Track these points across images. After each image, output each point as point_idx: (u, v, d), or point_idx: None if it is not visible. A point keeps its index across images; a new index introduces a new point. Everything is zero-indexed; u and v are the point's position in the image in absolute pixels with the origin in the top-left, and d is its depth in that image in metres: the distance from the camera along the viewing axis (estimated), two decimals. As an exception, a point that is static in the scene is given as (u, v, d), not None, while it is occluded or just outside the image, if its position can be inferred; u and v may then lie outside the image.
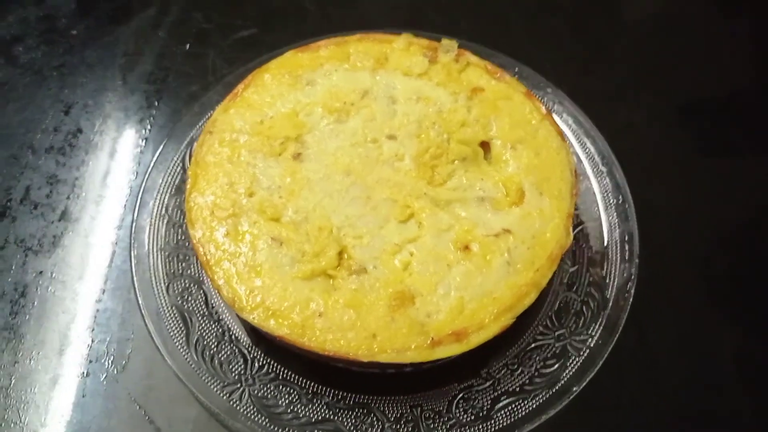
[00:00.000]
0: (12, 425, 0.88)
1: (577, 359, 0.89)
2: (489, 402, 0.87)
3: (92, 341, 0.94)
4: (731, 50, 1.32)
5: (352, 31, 1.08)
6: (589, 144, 1.06)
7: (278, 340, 0.82)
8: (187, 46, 1.26)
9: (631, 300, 0.92)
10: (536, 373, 0.89)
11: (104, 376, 0.92)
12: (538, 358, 0.90)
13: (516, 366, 0.90)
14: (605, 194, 1.02)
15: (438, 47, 1.04)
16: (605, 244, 0.98)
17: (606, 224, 1.00)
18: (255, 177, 0.93)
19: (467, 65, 1.03)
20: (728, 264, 1.05)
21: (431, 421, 0.86)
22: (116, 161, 1.11)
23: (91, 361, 0.93)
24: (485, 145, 0.97)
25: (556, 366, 0.89)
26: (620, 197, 1.01)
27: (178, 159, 1.04)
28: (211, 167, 0.94)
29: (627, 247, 0.97)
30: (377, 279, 0.85)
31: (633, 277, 0.93)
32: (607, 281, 0.95)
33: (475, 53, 1.09)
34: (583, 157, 1.06)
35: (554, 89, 1.10)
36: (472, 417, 0.86)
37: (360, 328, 0.82)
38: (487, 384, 0.89)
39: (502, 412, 0.86)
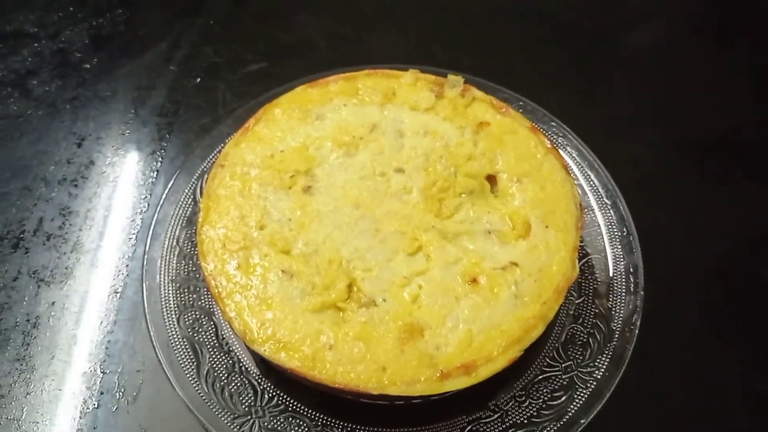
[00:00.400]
0: (24, 457, 0.89)
1: (584, 391, 0.90)
2: (497, 434, 0.88)
3: (103, 373, 0.95)
4: (730, 82, 1.34)
5: (361, 66, 1.11)
6: (593, 177, 1.08)
7: (289, 373, 0.83)
8: (198, 79, 1.28)
9: (636, 332, 0.92)
10: (544, 405, 0.89)
11: (115, 407, 0.92)
12: (545, 390, 0.91)
13: (524, 398, 0.90)
14: (610, 226, 1.04)
15: (444, 83, 1.06)
16: (611, 276, 0.99)
17: (611, 256, 1.01)
18: (266, 210, 0.94)
19: (473, 100, 1.05)
20: (732, 293, 1.06)
21: (440, 453, 0.87)
22: (128, 193, 1.13)
23: (102, 393, 0.93)
24: (491, 179, 0.99)
25: (564, 398, 0.89)
26: (624, 229, 1.02)
27: (189, 191, 1.06)
28: (222, 200, 0.96)
29: (632, 279, 0.98)
30: (386, 312, 0.86)
31: (638, 309, 0.94)
32: (613, 313, 0.96)
33: (481, 88, 1.11)
34: (587, 189, 1.07)
35: (558, 123, 1.13)
36: (481, 449, 0.87)
37: (369, 360, 0.83)
38: (495, 416, 0.89)
39: (511, 444, 0.87)
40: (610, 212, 1.05)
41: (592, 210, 1.06)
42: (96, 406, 0.93)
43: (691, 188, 1.19)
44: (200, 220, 0.94)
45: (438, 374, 0.81)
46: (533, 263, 0.90)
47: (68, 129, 1.20)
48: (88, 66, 1.30)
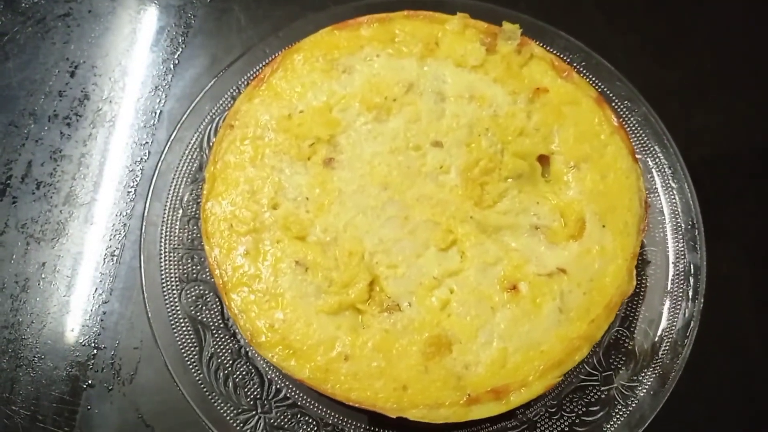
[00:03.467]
0: (12, 438, 0.83)
1: (623, 410, 0.81)
2: (522, 450, 0.80)
3: (97, 348, 0.87)
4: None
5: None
6: (659, 153, 0.93)
7: (299, 382, 0.75)
8: (209, -2, 1.10)
9: (690, 346, 0.82)
10: (577, 421, 0.81)
11: (110, 388, 0.86)
12: (580, 402, 0.82)
13: (555, 410, 0.82)
14: (673, 215, 0.90)
15: (498, 33, 0.89)
16: (668, 275, 0.87)
17: (672, 251, 0.88)
18: (280, 185, 0.82)
19: (530, 58, 0.89)
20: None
21: (458, 466, 0.79)
22: (127, 137, 0.99)
23: (96, 371, 0.86)
24: (544, 159, 0.85)
25: (600, 414, 0.81)
26: (690, 221, 0.89)
27: (195, 142, 0.93)
28: (230, 169, 0.83)
29: (691, 283, 0.86)
30: (411, 320, 0.76)
31: (695, 319, 0.84)
32: (666, 321, 0.85)
33: (538, 33, 0.95)
34: (652, 167, 0.93)
35: (624, 83, 0.96)
36: (503, 466, 0.79)
37: (389, 377, 0.74)
38: (522, 428, 0.81)
39: (536, 464, 0.79)
40: (675, 198, 0.91)
41: (656, 193, 0.92)
42: (90, 384, 0.86)
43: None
44: (205, 193, 0.82)
45: (465, 398, 0.73)
46: (584, 271, 0.79)
47: (60, 53, 1.04)
48: (82, -27, 1.12)
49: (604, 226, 0.80)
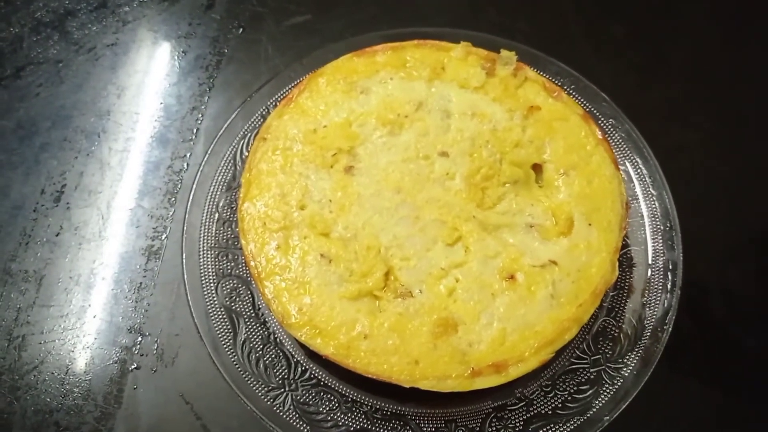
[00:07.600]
0: (70, 413, 0.93)
1: (610, 388, 0.91)
2: (521, 423, 0.90)
3: (143, 335, 0.98)
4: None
5: (409, 27, 1.07)
6: (641, 164, 1.05)
7: (323, 357, 0.86)
8: (240, 30, 1.24)
9: (669, 332, 0.92)
10: (569, 398, 0.91)
11: (154, 370, 0.96)
12: (572, 382, 0.92)
13: (550, 388, 0.92)
14: (653, 219, 1.01)
15: (496, 59, 1.02)
16: (648, 272, 0.98)
17: (651, 250, 0.99)
18: (306, 189, 0.94)
19: (525, 80, 1.01)
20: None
21: (464, 438, 0.89)
22: (168, 151, 1.12)
23: (142, 355, 0.97)
24: (537, 167, 0.97)
25: (590, 392, 0.91)
26: (668, 223, 1.00)
27: (229, 155, 1.05)
28: (263, 176, 0.95)
29: (670, 277, 0.97)
30: (422, 304, 0.87)
31: (673, 308, 0.94)
32: (647, 310, 0.95)
33: (533, 60, 1.07)
34: (634, 177, 1.04)
35: (609, 103, 1.08)
36: (504, 437, 0.89)
37: (403, 353, 0.84)
38: (521, 405, 0.91)
39: (534, 436, 0.89)
40: (654, 204, 1.02)
41: (637, 200, 1.03)
42: (136, 367, 0.96)
43: (744, 183, 1.14)
44: (241, 195, 0.94)
45: (469, 371, 0.83)
46: (573, 263, 0.89)
47: (108, 78, 1.18)
48: (127, 9, 1.26)
49: (590, 225, 0.92)
